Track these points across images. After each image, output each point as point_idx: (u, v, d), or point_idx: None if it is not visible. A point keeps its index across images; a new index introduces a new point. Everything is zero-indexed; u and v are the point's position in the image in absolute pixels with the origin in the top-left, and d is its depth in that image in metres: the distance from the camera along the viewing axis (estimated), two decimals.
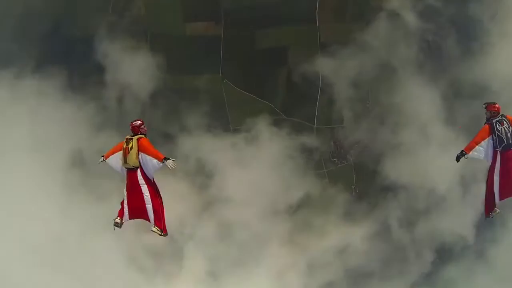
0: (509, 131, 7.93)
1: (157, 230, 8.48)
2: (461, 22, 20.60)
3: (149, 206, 8.29)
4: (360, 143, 20.85)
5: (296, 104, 20.87)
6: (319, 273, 20.20)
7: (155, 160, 8.12)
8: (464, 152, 8.15)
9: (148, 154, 8.20)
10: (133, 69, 21.41)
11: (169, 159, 8.20)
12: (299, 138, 20.71)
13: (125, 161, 8.41)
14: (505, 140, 7.88)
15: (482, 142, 8.08)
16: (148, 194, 8.26)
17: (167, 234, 8.68)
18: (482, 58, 20.11)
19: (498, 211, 8.44)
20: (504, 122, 8.00)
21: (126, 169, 8.47)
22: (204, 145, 20.70)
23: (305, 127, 20.51)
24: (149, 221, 8.42)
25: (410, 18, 20.29)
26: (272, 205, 20.32)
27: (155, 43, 21.41)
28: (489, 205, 8.41)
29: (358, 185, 20.85)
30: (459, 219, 20.07)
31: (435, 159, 19.29)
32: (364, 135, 20.86)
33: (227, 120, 21.02)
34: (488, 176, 8.38)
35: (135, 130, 8.55)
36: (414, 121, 20.28)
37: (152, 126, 20.21)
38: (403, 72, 20.47)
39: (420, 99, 20.12)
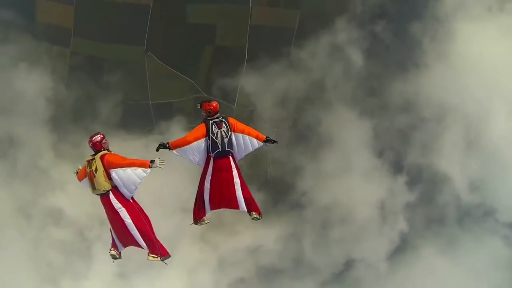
0: (226, 136, 7.01)
1: (154, 257, 7.31)
2: (400, 41, 20.55)
3: (135, 232, 7.06)
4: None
5: (218, 84, 20.34)
6: (230, 270, 19.83)
7: (139, 170, 6.80)
8: (168, 146, 7.12)
9: (125, 167, 6.82)
10: (54, 30, 20.57)
11: (154, 160, 6.83)
12: None
13: (93, 187, 7.02)
14: (219, 146, 7.02)
15: (195, 143, 7.04)
16: (129, 218, 6.98)
17: (169, 256, 7.43)
18: (415, 79, 20.30)
19: (206, 220, 7.59)
20: (223, 125, 7.04)
21: (98, 196, 7.05)
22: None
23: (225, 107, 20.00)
24: (143, 248, 7.29)
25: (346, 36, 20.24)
26: (183, 203, 19.50)
27: (81, 6, 20.42)
28: (198, 212, 7.50)
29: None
30: (373, 248, 20.18)
31: (356, 187, 19.52)
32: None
33: (147, 94, 20.30)
34: (200, 180, 7.43)
35: (97, 147, 7.11)
36: (339, 145, 20.12)
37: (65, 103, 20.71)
38: (333, 94, 20.34)
39: (348, 124, 20.06)
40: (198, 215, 7.50)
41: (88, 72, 20.65)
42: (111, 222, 7.20)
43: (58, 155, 19.67)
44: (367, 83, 20.61)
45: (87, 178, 7.10)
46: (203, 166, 7.21)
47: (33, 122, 19.74)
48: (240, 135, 7.17)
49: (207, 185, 7.22)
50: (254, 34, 20.23)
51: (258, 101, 20.35)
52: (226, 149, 7.09)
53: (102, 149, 7.12)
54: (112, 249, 7.37)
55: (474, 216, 20.84)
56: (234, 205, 7.32)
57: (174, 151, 7.04)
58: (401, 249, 20.56)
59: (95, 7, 20.31)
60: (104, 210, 7.12)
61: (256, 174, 20.08)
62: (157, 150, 7.05)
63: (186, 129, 19.17)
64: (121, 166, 6.88)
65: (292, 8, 20.55)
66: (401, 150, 20.73)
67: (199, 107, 7.37)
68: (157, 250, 7.27)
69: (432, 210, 20.96)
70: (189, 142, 7.03)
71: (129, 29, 20.37)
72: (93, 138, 7.18)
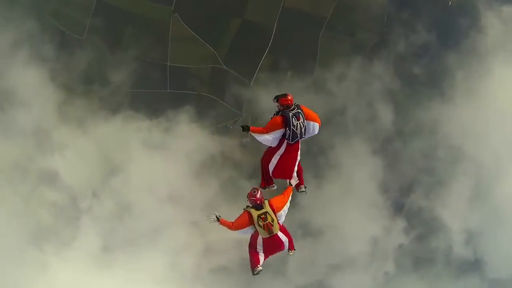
0: (303, 126, 7.69)
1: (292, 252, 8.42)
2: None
3: (286, 244, 8.21)
4: None
5: (239, 59, 19.93)
6: (215, 257, 19.47)
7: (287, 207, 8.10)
8: (248, 129, 7.77)
9: (286, 204, 8.08)
10: None
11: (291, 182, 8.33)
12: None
13: (270, 233, 7.85)
14: (298, 135, 7.71)
15: (273, 132, 7.70)
16: (286, 238, 8.15)
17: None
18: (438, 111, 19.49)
19: (275, 186, 8.49)
20: (301, 116, 7.67)
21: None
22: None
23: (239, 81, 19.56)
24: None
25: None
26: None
27: None
28: (267, 179, 8.37)
29: None
30: (354, 282, 19.78)
31: (352, 218, 19.16)
32: None
33: (166, 55, 19.90)
34: (266, 154, 8.21)
35: (260, 201, 7.84)
36: (346, 173, 19.67)
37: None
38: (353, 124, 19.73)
39: (360, 157, 19.57)
40: (267, 182, 8.43)
41: (110, 24, 20.24)
42: (270, 253, 8.09)
43: (62, 118, 19.19)
44: (389, 117, 19.98)
45: (255, 227, 7.80)
46: (272, 146, 7.97)
47: (40, 79, 19.08)
48: (311, 122, 7.87)
49: (274, 160, 7.95)
50: (285, 16, 19.86)
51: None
52: (303, 136, 7.80)
53: (263, 200, 7.84)
54: (258, 265, 8.03)
55: (462, 267, 20.36)
56: (288, 176, 8.28)
57: (253, 134, 7.74)
58: None
59: None
60: (264, 245, 7.93)
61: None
62: (243, 130, 7.75)
63: (193, 121, 19.31)
64: (283, 205, 7.95)
65: None
66: (406, 191, 20.31)
67: (275, 101, 7.85)
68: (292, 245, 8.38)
69: (422, 254, 20.45)
70: (267, 132, 7.69)
71: None
72: (256, 196, 7.80)
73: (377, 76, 19.74)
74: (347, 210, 19.52)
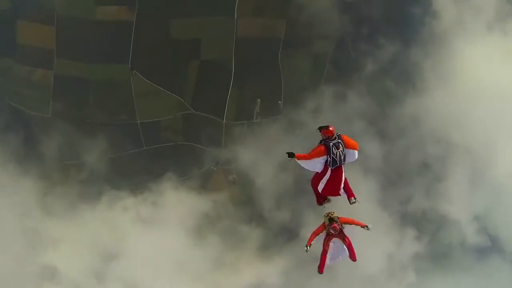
0: (343, 154, 8.50)
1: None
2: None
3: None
4: None
5: (206, 99, 19.82)
6: None
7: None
8: (293, 156, 8.44)
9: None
10: (38, 53, 20.17)
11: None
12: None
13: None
14: (338, 162, 8.53)
15: (316, 159, 8.49)
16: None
17: None
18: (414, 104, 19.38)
19: (330, 200, 9.32)
20: (340, 145, 8.46)
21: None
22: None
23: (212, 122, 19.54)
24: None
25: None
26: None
27: (62, 26, 19.99)
28: (320, 198, 9.36)
29: None
30: None
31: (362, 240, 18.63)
32: None
33: (134, 115, 19.78)
34: (314, 179, 9.08)
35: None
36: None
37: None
38: None
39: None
40: (321, 199, 9.35)
41: (73, 95, 20.20)
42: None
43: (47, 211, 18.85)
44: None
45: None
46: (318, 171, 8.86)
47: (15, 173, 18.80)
48: (350, 150, 8.68)
49: (321, 184, 8.88)
50: (241, 46, 19.80)
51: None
52: (342, 163, 8.64)
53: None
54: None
55: (481, 252, 20.12)
56: (336, 194, 9.14)
57: (297, 161, 8.43)
58: None
59: (76, 26, 19.96)
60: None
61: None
62: (288, 157, 8.34)
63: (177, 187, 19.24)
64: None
65: (279, 18, 20.07)
66: (406, 198, 20.01)
67: (319, 131, 8.60)
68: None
69: (439, 253, 20.23)
70: (310, 158, 8.51)
71: (113, 48, 19.96)
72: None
73: (348, 86, 19.59)
74: (354, 233, 19.17)
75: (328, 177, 8.70)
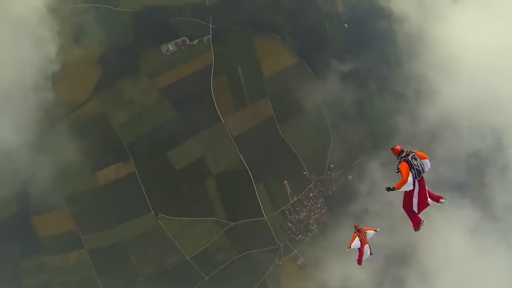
0: (421, 164, 9.74)
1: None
2: None
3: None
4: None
5: (238, 208, 19.79)
6: None
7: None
8: (394, 188, 9.59)
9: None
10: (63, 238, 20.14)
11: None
12: None
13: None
14: (421, 171, 9.61)
15: (409, 179, 9.56)
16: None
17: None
18: None
19: (424, 222, 10.10)
20: (416, 157, 9.66)
21: None
22: None
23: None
24: None
25: None
26: None
27: (73, 205, 19.89)
28: (415, 221, 10.11)
29: None
30: None
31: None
32: None
33: (180, 254, 19.74)
34: (405, 202, 10.06)
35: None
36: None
37: None
38: None
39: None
40: (417, 221, 10.12)
41: (115, 261, 20.12)
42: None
43: None
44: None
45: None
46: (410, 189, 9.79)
47: None
48: (423, 160, 9.79)
49: (415, 200, 9.92)
50: (241, 143, 19.75)
51: None
52: (424, 171, 9.79)
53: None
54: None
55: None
56: (427, 205, 10.05)
57: (400, 189, 9.60)
58: None
59: (86, 195, 19.81)
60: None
61: None
62: (387, 190, 9.65)
63: None
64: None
65: (259, 100, 20.03)
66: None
67: (392, 151, 9.88)
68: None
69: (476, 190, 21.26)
70: (406, 180, 9.57)
71: (130, 204, 19.86)
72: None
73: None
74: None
75: (417, 190, 9.75)
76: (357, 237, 11.44)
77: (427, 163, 9.78)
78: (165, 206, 19.83)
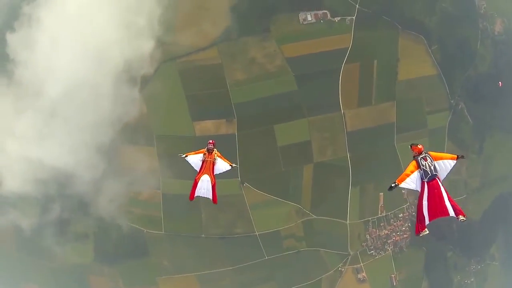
0: (431, 165, 9.14)
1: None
2: None
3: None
4: None
5: (326, 202, 18.89)
6: None
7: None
8: (396, 184, 8.96)
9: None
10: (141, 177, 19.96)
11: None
12: None
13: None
14: (429, 172, 9.06)
15: (411, 175, 9.06)
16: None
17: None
18: None
19: (427, 231, 9.22)
20: (428, 158, 9.17)
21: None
22: None
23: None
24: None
25: None
26: None
27: (162, 145, 19.48)
28: (420, 225, 9.22)
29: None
30: None
31: None
32: None
33: (251, 227, 19.22)
34: (418, 201, 9.24)
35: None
36: None
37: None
38: None
39: None
40: (420, 227, 9.27)
41: (184, 212, 19.91)
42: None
43: None
44: None
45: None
46: (419, 190, 9.14)
47: None
48: (440, 161, 9.25)
49: (425, 202, 9.20)
50: (353, 140, 18.50)
51: None
52: (434, 173, 9.14)
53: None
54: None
55: None
56: (446, 213, 9.18)
57: (400, 185, 8.99)
58: None
59: (178, 140, 19.36)
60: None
61: None
62: (389, 190, 9.14)
63: None
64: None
65: (385, 102, 18.50)
66: None
67: (410, 147, 9.34)
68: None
69: None
70: (409, 175, 9.07)
71: None
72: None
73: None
74: None
75: (426, 192, 9.15)
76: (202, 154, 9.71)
77: (445, 164, 9.14)
78: (253, 177, 19.14)
